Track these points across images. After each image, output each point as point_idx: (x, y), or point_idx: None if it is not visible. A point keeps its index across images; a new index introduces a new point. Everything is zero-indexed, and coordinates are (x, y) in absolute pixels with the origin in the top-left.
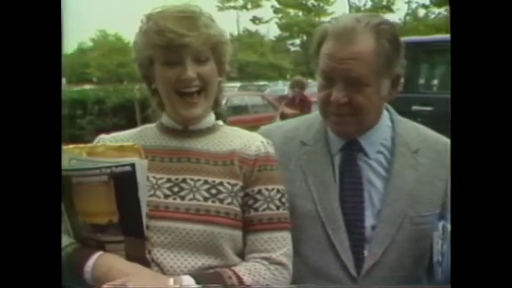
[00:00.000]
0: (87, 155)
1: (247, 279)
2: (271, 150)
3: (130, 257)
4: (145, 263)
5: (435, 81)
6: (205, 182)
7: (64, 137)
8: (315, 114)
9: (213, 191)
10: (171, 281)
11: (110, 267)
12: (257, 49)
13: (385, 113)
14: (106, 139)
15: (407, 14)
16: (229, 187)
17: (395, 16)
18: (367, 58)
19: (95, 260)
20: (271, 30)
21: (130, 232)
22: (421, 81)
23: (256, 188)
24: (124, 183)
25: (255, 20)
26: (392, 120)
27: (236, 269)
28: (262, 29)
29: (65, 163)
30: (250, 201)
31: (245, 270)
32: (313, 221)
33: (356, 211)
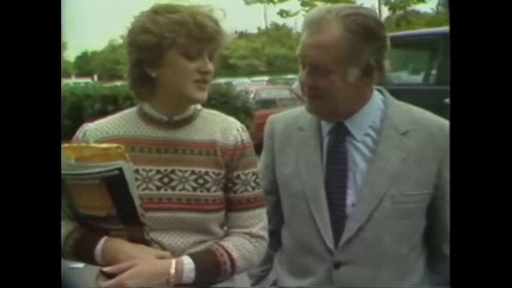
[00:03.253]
0: (75, 160)
1: (235, 254)
2: (245, 136)
3: (132, 240)
4: (146, 242)
5: None
6: (193, 172)
7: None
8: None
9: (201, 181)
10: (173, 262)
11: (117, 250)
12: (285, 42)
13: (378, 96)
14: (90, 128)
15: (439, 4)
16: (214, 176)
17: (427, 6)
18: (328, 46)
19: (102, 245)
20: (298, 23)
21: (128, 222)
22: None
23: (235, 174)
24: (115, 184)
25: (282, 13)
26: (385, 103)
27: (225, 245)
28: (289, 22)
29: None
30: (230, 185)
31: (233, 246)
32: (301, 199)
33: (339, 190)
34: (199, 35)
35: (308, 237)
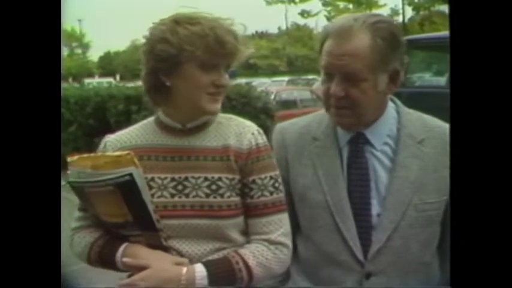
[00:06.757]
0: (91, 169)
1: (252, 262)
2: (261, 140)
3: (151, 246)
4: (165, 249)
5: None
6: (206, 178)
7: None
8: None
9: (214, 187)
10: (184, 269)
11: (136, 256)
12: (306, 43)
13: (391, 105)
14: (111, 139)
15: None
16: (228, 181)
17: None
18: (361, 54)
19: (122, 251)
20: (319, 24)
21: (145, 227)
22: None
23: (250, 178)
24: (128, 190)
25: (303, 13)
26: (398, 112)
27: (242, 252)
28: (310, 22)
29: (75, 175)
30: (246, 190)
31: (250, 253)
32: (324, 211)
33: (362, 200)
34: (219, 50)
35: (335, 248)
